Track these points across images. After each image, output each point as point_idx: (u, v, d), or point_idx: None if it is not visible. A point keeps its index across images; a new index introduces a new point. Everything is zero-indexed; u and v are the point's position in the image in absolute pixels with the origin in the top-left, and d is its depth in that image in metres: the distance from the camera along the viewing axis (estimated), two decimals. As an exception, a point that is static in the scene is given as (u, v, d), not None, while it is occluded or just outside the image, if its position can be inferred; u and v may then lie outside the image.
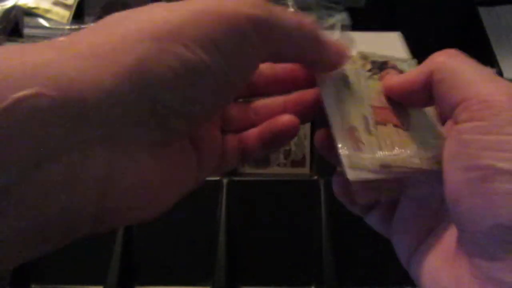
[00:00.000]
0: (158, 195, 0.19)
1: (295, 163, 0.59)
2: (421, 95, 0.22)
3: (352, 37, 0.27)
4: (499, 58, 0.62)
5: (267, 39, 0.20)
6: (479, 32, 0.66)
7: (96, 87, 0.16)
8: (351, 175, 0.22)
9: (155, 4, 0.19)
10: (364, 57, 0.26)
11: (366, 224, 0.27)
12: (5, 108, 0.14)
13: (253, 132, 0.26)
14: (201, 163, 0.22)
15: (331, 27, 0.27)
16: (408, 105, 0.24)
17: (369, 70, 0.26)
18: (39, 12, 0.65)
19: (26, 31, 0.64)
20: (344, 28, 0.27)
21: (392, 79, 0.24)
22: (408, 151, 0.23)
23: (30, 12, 0.65)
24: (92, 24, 0.19)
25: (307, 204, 0.56)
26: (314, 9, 0.28)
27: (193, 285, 0.54)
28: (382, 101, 0.25)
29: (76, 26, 0.64)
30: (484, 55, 0.63)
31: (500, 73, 0.61)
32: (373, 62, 0.26)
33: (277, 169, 0.59)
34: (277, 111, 0.26)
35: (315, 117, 0.26)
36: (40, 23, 0.65)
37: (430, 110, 0.25)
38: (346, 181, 0.22)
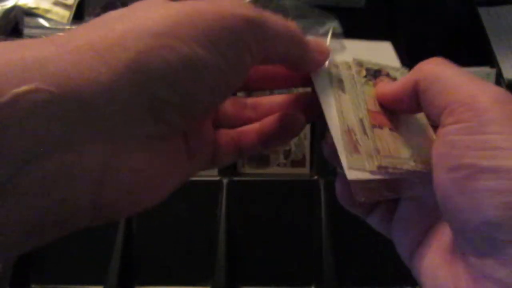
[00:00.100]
0: (152, 187, 0.20)
1: (295, 163, 0.59)
2: (409, 103, 0.23)
3: (344, 44, 0.28)
4: (499, 58, 0.62)
5: (260, 39, 0.21)
6: (479, 32, 0.66)
7: (94, 83, 0.16)
8: (350, 175, 0.22)
9: (153, 2, 0.19)
10: (359, 63, 0.27)
11: (366, 224, 0.27)
12: (4, 103, 0.14)
13: (252, 128, 0.26)
14: (192, 156, 0.23)
15: (324, 35, 0.28)
16: (400, 112, 0.25)
17: (364, 76, 0.27)
18: (39, 12, 0.65)
19: (26, 31, 0.64)
20: (336, 35, 0.28)
21: (385, 87, 0.25)
22: (403, 154, 0.24)
23: (30, 12, 0.65)
24: (91, 19, 0.19)
25: (307, 204, 0.56)
26: (308, 16, 0.29)
27: (193, 285, 0.54)
28: (376, 106, 0.26)
29: (76, 26, 0.64)
30: (484, 55, 0.63)
31: (500, 73, 0.61)
32: (368, 69, 0.27)
33: (277, 169, 0.59)
34: (275, 109, 0.26)
35: (315, 119, 0.27)
36: (40, 23, 0.65)
37: (423, 115, 0.26)
38: (347, 183, 0.23)
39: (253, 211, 0.57)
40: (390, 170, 0.23)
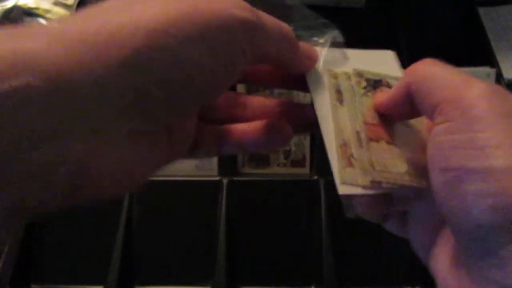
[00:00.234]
0: (133, 174, 0.20)
1: (295, 163, 0.59)
2: (404, 107, 0.23)
3: (345, 54, 0.28)
4: (499, 58, 0.62)
5: (254, 41, 0.21)
6: (479, 32, 0.66)
7: (85, 77, 0.16)
8: (341, 189, 0.22)
9: None
10: (359, 74, 0.27)
11: (366, 224, 0.27)
12: None
13: (236, 129, 0.26)
14: (172, 147, 0.23)
15: (324, 44, 0.27)
16: (399, 118, 0.25)
17: (364, 87, 0.26)
18: (39, 12, 0.65)
19: (26, 31, 0.64)
20: (337, 45, 0.28)
21: (382, 96, 0.25)
22: (399, 168, 0.23)
23: (30, 12, 0.65)
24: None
25: (307, 204, 0.56)
26: (310, 22, 0.29)
27: (193, 285, 0.54)
28: (375, 118, 0.25)
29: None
30: (484, 55, 0.63)
31: (500, 73, 0.61)
32: (368, 80, 0.27)
33: (277, 169, 0.59)
34: (266, 113, 0.26)
35: (307, 131, 0.27)
36: (40, 24, 0.65)
37: (422, 126, 0.25)
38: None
39: (253, 211, 0.57)
40: (384, 185, 0.22)
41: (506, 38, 0.64)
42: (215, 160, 0.59)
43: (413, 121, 0.25)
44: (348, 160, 0.23)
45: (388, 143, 0.24)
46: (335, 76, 0.26)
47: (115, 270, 0.53)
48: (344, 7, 0.67)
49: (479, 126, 0.18)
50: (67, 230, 0.56)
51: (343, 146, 0.24)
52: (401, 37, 0.65)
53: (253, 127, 0.26)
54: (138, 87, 0.17)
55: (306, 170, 0.59)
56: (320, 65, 0.26)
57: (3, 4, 0.65)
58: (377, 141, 0.24)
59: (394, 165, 0.23)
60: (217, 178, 0.58)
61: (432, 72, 0.21)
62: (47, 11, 0.66)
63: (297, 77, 0.26)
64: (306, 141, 0.60)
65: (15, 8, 0.65)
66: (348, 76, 0.26)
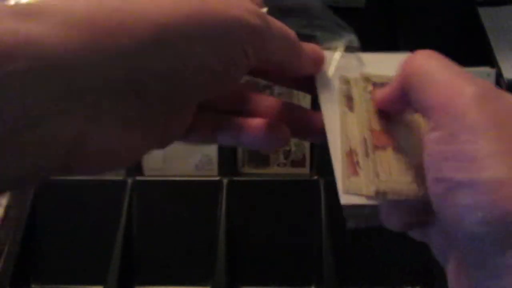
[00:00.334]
0: (125, 157, 0.20)
1: (295, 163, 0.59)
2: (402, 103, 0.22)
3: (360, 58, 0.27)
4: (499, 58, 0.62)
5: (258, 46, 0.21)
6: (479, 32, 0.66)
7: (87, 64, 0.16)
8: (344, 199, 0.22)
9: None
10: (366, 79, 0.26)
11: (366, 224, 0.27)
12: None
13: (235, 124, 0.26)
14: (167, 131, 0.22)
15: (338, 48, 0.27)
16: (398, 113, 0.24)
17: (370, 92, 0.25)
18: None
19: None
20: (352, 49, 0.27)
21: (380, 92, 0.24)
22: (406, 178, 0.22)
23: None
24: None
25: (307, 204, 0.56)
26: (327, 28, 0.28)
27: (193, 285, 0.54)
28: (382, 124, 0.24)
29: None
30: (484, 55, 0.63)
31: (500, 73, 0.61)
32: (375, 84, 0.25)
33: (277, 169, 0.59)
34: (267, 112, 0.26)
35: (306, 137, 0.27)
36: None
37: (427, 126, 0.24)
38: (392, 205, 0.22)
39: (253, 211, 0.57)
40: (389, 196, 0.21)
41: (506, 38, 0.64)
42: (215, 160, 0.59)
43: (418, 121, 0.24)
44: (354, 168, 0.23)
45: (394, 150, 0.23)
46: (346, 82, 0.25)
47: (115, 270, 0.53)
48: (344, 7, 0.67)
49: (469, 136, 0.17)
50: (67, 230, 0.56)
51: (349, 153, 0.23)
52: (401, 37, 0.65)
53: (251, 123, 0.26)
54: (138, 79, 0.18)
55: (306, 170, 0.59)
56: (332, 70, 0.26)
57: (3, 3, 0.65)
58: (384, 148, 0.23)
59: (401, 174, 0.22)
60: (217, 178, 0.58)
61: (426, 67, 0.20)
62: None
63: (305, 78, 0.26)
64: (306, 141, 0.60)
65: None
66: (356, 82, 0.26)
